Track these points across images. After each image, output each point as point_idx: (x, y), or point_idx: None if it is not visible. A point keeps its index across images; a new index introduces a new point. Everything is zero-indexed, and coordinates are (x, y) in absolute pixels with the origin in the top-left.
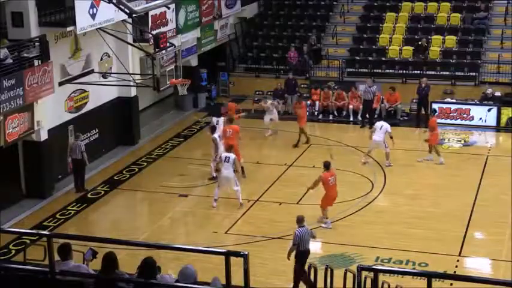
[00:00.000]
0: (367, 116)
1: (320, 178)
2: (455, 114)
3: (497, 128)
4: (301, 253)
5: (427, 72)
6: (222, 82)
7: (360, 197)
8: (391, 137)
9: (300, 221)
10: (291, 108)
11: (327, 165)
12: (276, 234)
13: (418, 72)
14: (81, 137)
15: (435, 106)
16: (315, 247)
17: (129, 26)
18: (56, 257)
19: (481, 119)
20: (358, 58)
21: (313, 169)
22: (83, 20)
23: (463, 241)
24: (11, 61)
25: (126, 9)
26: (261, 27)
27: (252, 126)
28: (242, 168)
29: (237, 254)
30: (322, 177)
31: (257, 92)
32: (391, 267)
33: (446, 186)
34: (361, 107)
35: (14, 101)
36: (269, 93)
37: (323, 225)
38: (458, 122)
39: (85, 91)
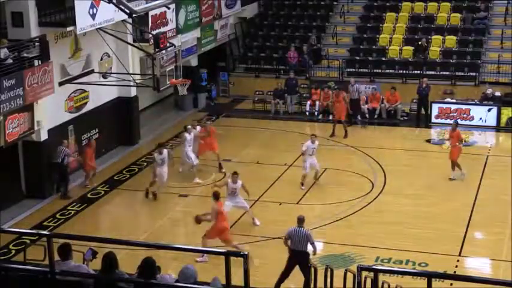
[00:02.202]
0: (358, 115)
1: (214, 210)
2: (455, 114)
3: (497, 128)
4: (291, 251)
5: (427, 72)
6: (222, 82)
7: (360, 197)
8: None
9: (299, 221)
10: (291, 108)
11: (216, 196)
12: (276, 234)
13: (418, 72)
14: (65, 142)
15: (434, 106)
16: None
17: (129, 26)
18: (56, 257)
19: (481, 119)
20: (358, 58)
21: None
22: (83, 20)
23: (463, 241)
24: (11, 61)
25: (126, 9)
26: (261, 27)
27: (253, 126)
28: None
29: (237, 254)
30: (217, 208)
31: (257, 92)
32: (391, 267)
33: (446, 186)
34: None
35: (14, 101)
36: (269, 93)
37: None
38: (458, 122)
39: (85, 91)
